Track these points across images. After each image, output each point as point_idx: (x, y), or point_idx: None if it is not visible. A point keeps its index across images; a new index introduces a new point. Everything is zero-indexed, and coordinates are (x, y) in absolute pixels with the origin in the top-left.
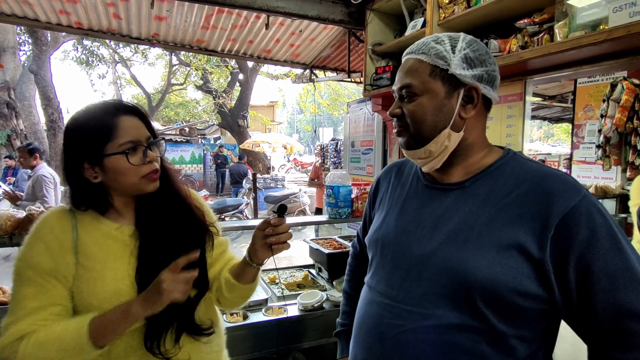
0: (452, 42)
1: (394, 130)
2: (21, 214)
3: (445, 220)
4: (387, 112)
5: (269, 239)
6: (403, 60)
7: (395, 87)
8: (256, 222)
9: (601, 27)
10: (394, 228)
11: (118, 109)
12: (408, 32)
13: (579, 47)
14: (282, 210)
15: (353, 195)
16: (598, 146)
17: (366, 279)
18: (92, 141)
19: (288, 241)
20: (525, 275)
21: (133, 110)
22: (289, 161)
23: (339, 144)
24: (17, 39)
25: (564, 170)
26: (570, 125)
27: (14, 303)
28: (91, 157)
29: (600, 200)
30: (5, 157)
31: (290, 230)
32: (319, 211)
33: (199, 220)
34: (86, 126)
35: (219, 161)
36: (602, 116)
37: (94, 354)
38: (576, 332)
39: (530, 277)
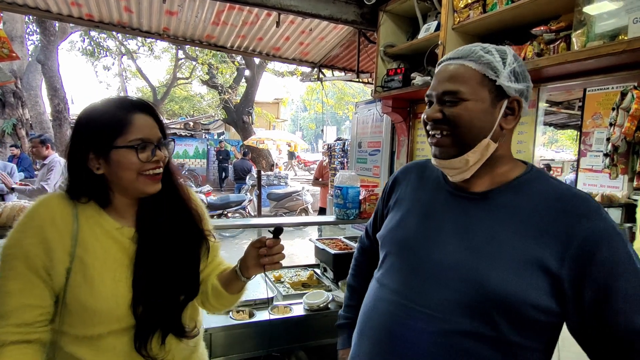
0: (501, 54)
1: (431, 140)
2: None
3: (469, 231)
4: (425, 116)
5: (263, 259)
6: (443, 64)
7: (435, 92)
8: (258, 221)
9: (620, 37)
10: (415, 232)
11: (135, 106)
12: (421, 35)
13: (597, 57)
14: (277, 233)
15: (361, 197)
16: (606, 154)
17: (377, 275)
18: (104, 132)
19: (280, 261)
20: (543, 291)
21: (148, 110)
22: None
23: (346, 143)
24: (25, 28)
25: (571, 176)
26: (575, 132)
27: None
28: (99, 147)
29: (605, 209)
30: (11, 146)
31: (283, 252)
32: (322, 211)
33: (197, 228)
34: (101, 117)
35: (221, 157)
36: (611, 124)
37: None
38: (583, 348)
39: (547, 292)
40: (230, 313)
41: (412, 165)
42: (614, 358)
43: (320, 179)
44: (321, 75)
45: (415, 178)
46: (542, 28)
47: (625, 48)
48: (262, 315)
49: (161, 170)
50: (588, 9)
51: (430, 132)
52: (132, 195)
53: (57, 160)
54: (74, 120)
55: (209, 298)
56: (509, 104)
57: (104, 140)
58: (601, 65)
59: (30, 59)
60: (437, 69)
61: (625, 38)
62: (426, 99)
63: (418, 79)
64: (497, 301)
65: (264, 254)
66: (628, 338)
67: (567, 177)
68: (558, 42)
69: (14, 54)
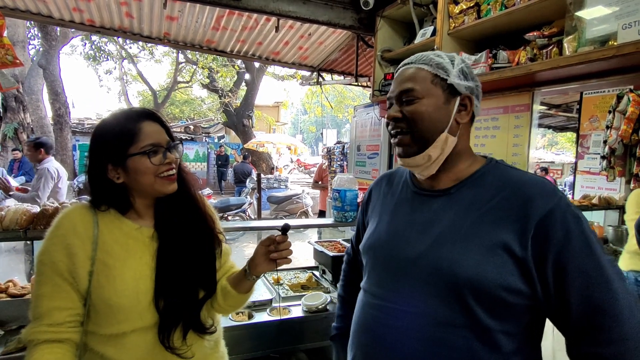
0: (450, 57)
1: (393, 140)
2: (36, 209)
3: (433, 225)
4: (386, 116)
5: (272, 254)
6: (400, 69)
7: (393, 93)
8: (259, 223)
9: (610, 42)
10: (386, 233)
11: (141, 115)
12: (418, 40)
13: (587, 62)
14: (285, 230)
15: (359, 200)
16: (603, 157)
17: (362, 284)
18: (116, 144)
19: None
20: (510, 272)
21: (154, 117)
22: (292, 162)
23: (345, 147)
24: (27, 33)
25: (570, 178)
26: (574, 134)
27: (34, 296)
28: (115, 158)
29: (603, 211)
30: (13, 150)
31: (290, 248)
32: (322, 213)
33: (211, 227)
34: (112, 131)
35: (220, 162)
36: (607, 127)
37: None
38: (556, 327)
39: (514, 274)
40: (230, 314)
41: (383, 174)
42: (579, 333)
43: (319, 182)
44: (320, 79)
45: (385, 185)
46: (535, 33)
47: (615, 53)
48: (261, 317)
49: (175, 171)
50: (579, 15)
51: (392, 132)
52: (152, 196)
53: (47, 167)
54: (74, 124)
55: (217, 298)
56: (462, 101)
57: (118, 151)
58: (593, 70)
59: (31, 63)
60: (395, 74)
61: (615, 44)
62: (387, 102)
63: None
64: (469, 286)
65: (274, 250)
66: (587, 313)
67: (566, 179)
68: (550, 47)
69: (18, 61)
